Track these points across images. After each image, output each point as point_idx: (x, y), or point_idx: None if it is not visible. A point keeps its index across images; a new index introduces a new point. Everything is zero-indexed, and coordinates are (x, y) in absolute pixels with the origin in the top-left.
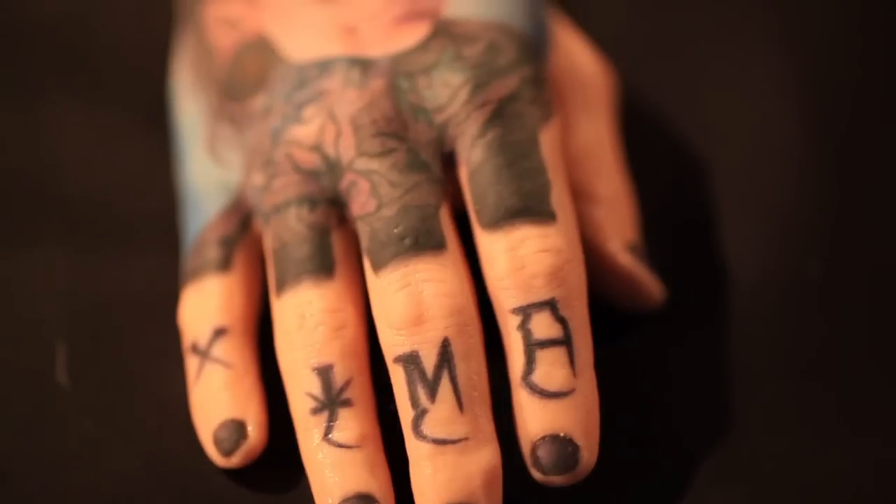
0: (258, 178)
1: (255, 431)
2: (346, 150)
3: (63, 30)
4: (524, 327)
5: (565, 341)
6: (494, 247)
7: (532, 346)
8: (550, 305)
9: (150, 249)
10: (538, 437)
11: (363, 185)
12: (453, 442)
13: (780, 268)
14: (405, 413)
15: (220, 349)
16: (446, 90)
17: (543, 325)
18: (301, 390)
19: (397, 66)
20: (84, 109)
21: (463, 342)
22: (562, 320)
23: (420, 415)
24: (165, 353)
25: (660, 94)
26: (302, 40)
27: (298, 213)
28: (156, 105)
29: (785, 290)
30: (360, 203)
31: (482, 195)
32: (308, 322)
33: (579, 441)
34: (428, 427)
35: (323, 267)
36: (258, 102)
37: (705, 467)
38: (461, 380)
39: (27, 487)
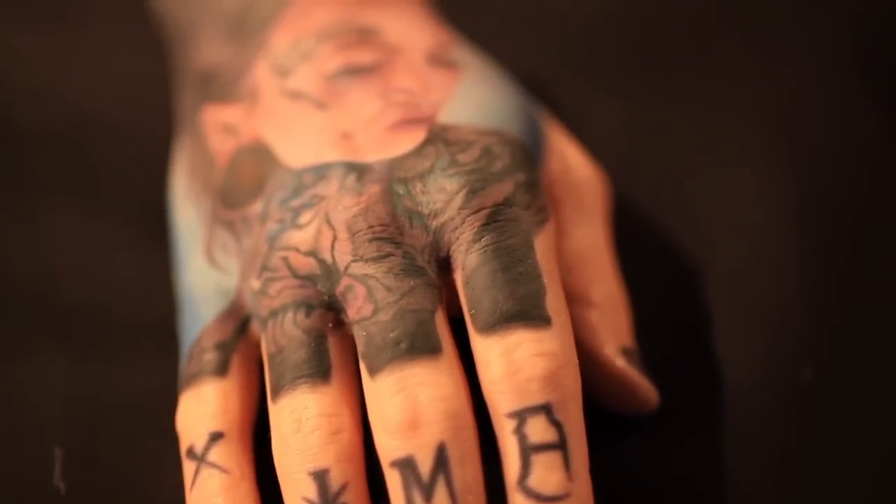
0: (255, 283)
1: None
2: (342, 255)
3: (63, 138)
4: (519, 431)
5: (560, 445)
6: (490, 351)
7: (527, 450)
8: (545, 409)
9: (149, 356)
10: None
11: (359, 290)
12: None
13: (773, 372)
14: None
15: (216, 454)
16: (442, 195)
17: (538, 430)
18: (297, 495)
19: (393, 172)
20: (83, 217)
21: (458, 446)
22: (557, 424)
23: None
24: (163, 459)
25: (653, 199)
26: (299, 146)
27: (295, 317)
28: (154, 213)
29: (778, 395)
30: (357, 307)
31: (477, 299)
32: (304, 426)
33: None
34: None
35: (319, 371)
36: (256, 208)
37: None
38: (457, 484)
39: None
